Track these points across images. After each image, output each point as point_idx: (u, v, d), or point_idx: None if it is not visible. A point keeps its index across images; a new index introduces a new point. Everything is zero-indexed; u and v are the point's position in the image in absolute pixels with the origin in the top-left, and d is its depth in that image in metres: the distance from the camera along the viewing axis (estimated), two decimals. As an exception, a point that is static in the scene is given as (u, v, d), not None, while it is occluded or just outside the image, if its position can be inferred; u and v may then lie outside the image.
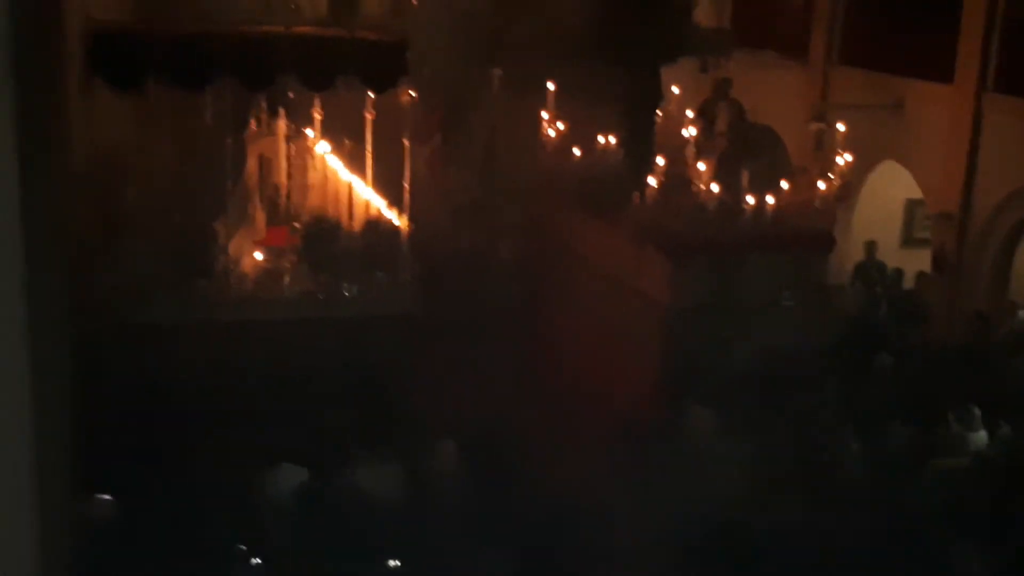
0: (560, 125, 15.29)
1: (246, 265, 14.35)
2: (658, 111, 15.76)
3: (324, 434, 11.27)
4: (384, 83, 13.90)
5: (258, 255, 14.43)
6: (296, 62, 13.53)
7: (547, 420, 12.69)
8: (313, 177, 15.49)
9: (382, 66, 13.79)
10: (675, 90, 16.25)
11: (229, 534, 9.63)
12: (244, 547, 9.47)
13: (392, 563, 9.48)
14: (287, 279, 14.18)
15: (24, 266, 3.80)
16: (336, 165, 15.38)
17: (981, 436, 12.15)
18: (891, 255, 17.15)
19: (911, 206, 18.58)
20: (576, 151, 15.22)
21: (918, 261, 17.15)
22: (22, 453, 3.91)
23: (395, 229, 14.61)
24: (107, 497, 9.81)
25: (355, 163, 14.64)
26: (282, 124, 15.17)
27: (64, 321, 4.47)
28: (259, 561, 9.45)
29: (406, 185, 14.33)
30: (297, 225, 14.85)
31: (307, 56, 13.59)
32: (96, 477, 9.56)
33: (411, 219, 14.52)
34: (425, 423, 11.64)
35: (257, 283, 14.15)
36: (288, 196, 15.12)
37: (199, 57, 13.37)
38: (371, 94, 13.96)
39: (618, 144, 15.50)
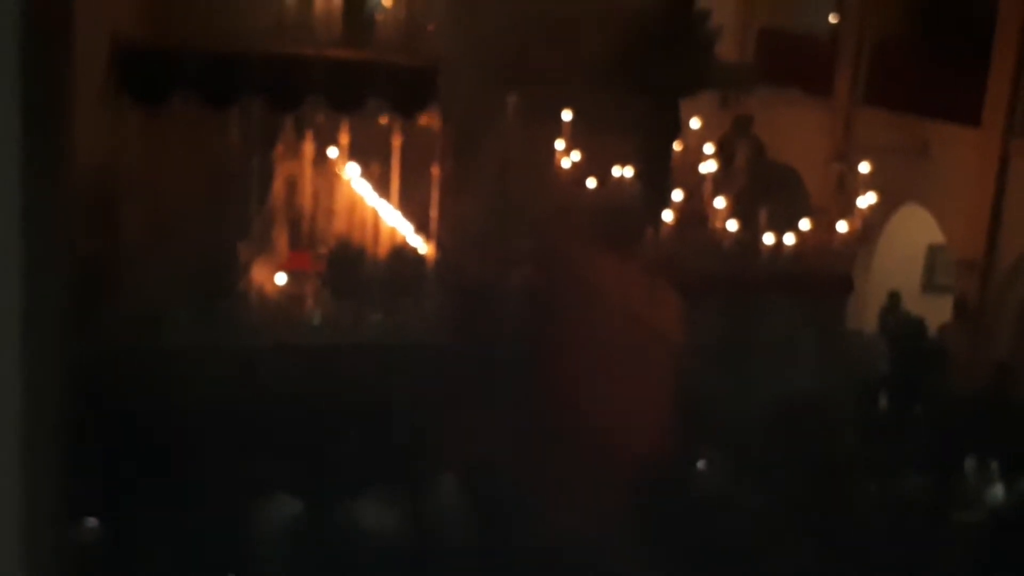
0: (576, 155, 15.06)
1: (267, 289, 14.25)
2: (676, 144, 15.50)
3: (335, 464, 11.17)
4: (413, 107, 14.00)
5: (280, 279, 14.30)
6: (325, 84, 13.60)
7: (556, 455, 12.60)
8: (338, 201, 15.41)
9: (412, 90, 13.92)
10: (694, 124, 15.98)
11: (232, 561, 9.63)
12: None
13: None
14: (309, 304, 14.07)
15: (21, 286, 3.73)
16: (361, 190, 15.26)
17: (997, 490, 11.87)
18: (912, 301, 16.81)
19: (933, 251, 18.25)
20: (591, 182, 14.98)
21: (939, 308, 16.80)
22: (11, 475, 3.86)
23: (418, 256, 14.52)
24: (95, 522, 9.68)
25: (381, 188, 14.56)
26: (308, 147, 15.08)
27: (60, 342, 4.39)
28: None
29: (431, 213, 14.26)
30: (322, 251, 14.75)
31: (337, 79, 13.70)
32: (104, 500, 9.49)
33: (433, 247, 14.51)
34: (432, 454, 11.60)
35: (278, 307, 14.04)
36: (312, 220, 14.95)
37: (227, 76, 13.46)
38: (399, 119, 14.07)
39: (634, 176, 15.25)
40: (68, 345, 4.96)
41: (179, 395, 11.96)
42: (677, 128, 15.43)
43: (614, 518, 11.59)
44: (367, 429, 11.98)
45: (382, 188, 14.60)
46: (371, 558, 9.97)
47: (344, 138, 14.42)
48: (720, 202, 14.35)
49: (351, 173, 15.21)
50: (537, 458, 12.15)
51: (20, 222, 3.69)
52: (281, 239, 14.97)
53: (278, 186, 15.21)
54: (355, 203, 15.45)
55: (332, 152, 15.01)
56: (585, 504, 11.64)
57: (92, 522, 9.72)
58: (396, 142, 14.20)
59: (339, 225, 15.39)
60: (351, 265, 14.44)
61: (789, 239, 13.90)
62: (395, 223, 15.00)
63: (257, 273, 14.26)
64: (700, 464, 12.10)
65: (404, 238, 15.04)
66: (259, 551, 10.06)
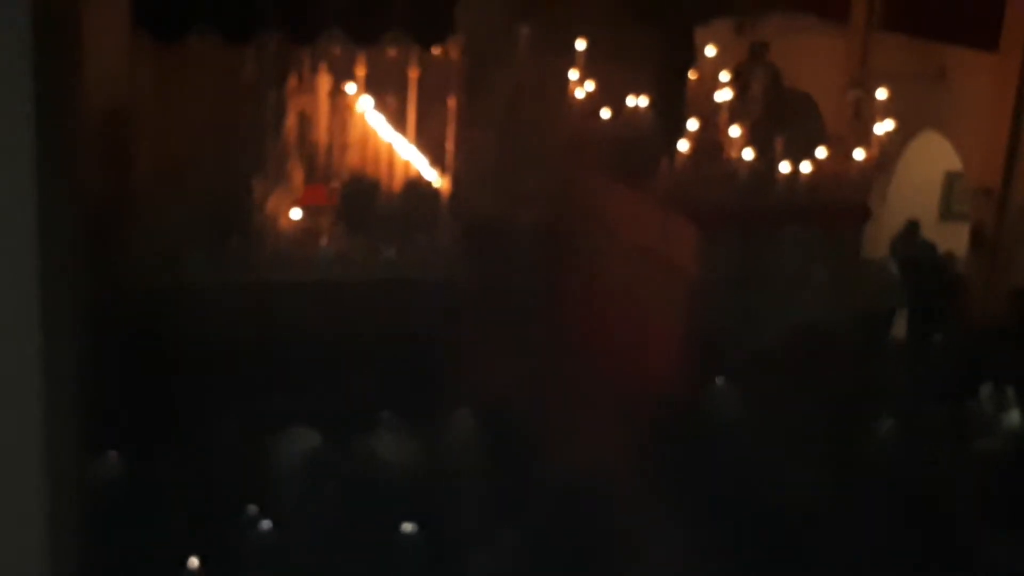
0: (589, 85, 14.93)
1: (283, 224, 14.23)
2: (691, 73, 15.35)
3: (351, 397, 11.33)
4: (432, 38, 13.94)
5: (296, 214, 14.26)
6: (342, 14, 13.48)
7: (571, 392, 12.66)
8: (353, 135, 15.32)
9: (431, 20, 13.82)
10: (709, 52, 15.79)
11: (252, 494, 9.69)
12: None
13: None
14: (324, 239, 14.08)
15: (37, 225, 3.78)
16: (376, 123, 15.20)
17: (1014, 416, 11.88)
18: (929, 229, 16.70)
19: (951, 179, 18.10)
20: (605, 113, 14.86)
21: (956, 236, 16.72)
22: (34, 412, 3.97)
23: (432, 190, 14.48)
24: (115, 456, 9.81)
25: (397, 121, 14.50)
26: (324, 80, 14.97)
27: (78, 280, 4.50)
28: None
29: (448, 146, 14.27)
30: (335, 184, 14.72)
31: (354, 9, 13.57)
32: (117, 435, 9.61)
33: (447, 180, 14.50)
34: (452, 389, 11.70)
35: (294, 242, 14.03)
36: (328, 154, 14.92)
37: (244, 8, 13.31)
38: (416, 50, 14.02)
39: (648, 106, 15.13)
40: (86, 283, 5.01)
41: (196, 331, 12.04)
42: (692, 56, 15.28)
43: (630, 452, 11.63)
44: (381, 363, 12.09)
45: (397, 121, 14.52)
46: (386, 492, 10.04)
47: (360, 71, 14.32)
48: (736, 131, 14.26)
49: (366, 106, 15.12)
50: (552, 393, 12.23)
51: (34, 161, 3.70)
52: (297, 173, 14.94)
53: (292, 120, 15.15)
54: (369, 136, 15.38)
55: (348, 86, 14.91)
56: (602, 438, 11.68)
57: (113, 456, 9.82)
58: (412, 74, 14.08)
59: (353, 159, 15.31)
60: (365, 199, 14.38)
61: (805, 168, 13.82)
62: (410, 156, 14.94)
63: (272, 207, 14.22)
64: (716, 395, 12.15)
65: (419, 172, 14.98)
66: (279, 484, 10.14)
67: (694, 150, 14.28)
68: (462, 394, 11.48)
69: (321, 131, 15.16)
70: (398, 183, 14.60)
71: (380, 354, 12.31)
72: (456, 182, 14.58)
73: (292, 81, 15.15)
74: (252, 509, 9.54)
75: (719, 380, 12.25)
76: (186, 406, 10.89)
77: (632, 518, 10.40)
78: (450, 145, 14.46)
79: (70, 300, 4.36)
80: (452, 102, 14.38)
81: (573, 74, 14.95)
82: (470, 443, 10.91)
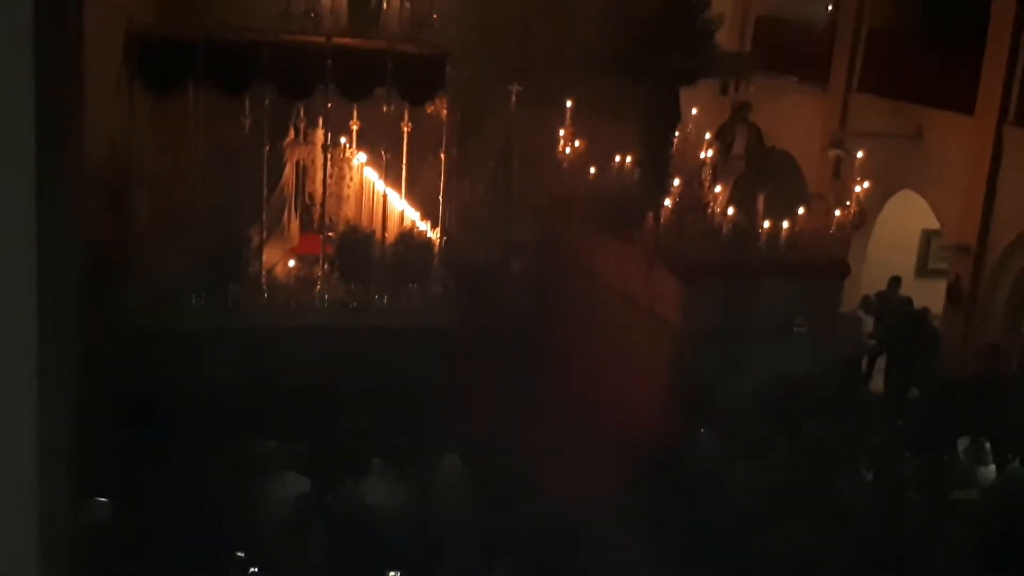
0: (577, 142, 15.22)
1: (279, 272, 14.46)
2: (676, 131, 15.66)
3: (343, 444, 11.39)
4: (422, 95, 14.14)
5: (291, 263, 14.47)
6: (336, 72, 13.71)
7: (556, 438, 12.70)
8: (348, 187, 15.61)
9: (421, 79, 14.08)
10: (694, 111, 16.15)
11: (241, 539, 9.66)
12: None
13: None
14: (319, 287, 14.28)
15: (36, 272, 3.81)
16: (371, 176, 15.48)
17: (991, 470, 12.02)
18: (906, 286, 16.99)
19: (927, 236, 18.44)
20: (592, 169, 15.14)
21: (933, 292, 17.01)
22: (24, 457, 3.96)
23: (427, 241, 14.70)
24: (105, 500, 9.80)
25: (391, 174, 14.75)
26: (319, 133, 15.25)
27: (75, 326, 4.55)
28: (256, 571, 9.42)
29: (440, 199, 14.48)
30: (331, 234, 14.95)
31: (347, 67, 13.81)
32: (108, 478, 9.59)
33: (441, 232, 14.69)
34: (437, 435, 11.74)
35: (289, 290, 14.24)
36: (323, 205, 15.12)
37: (239, 64, 13.60)
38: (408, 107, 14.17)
39: (634, 163, 15.41)
40: (83, 330, 4.96)
41: (192, 377, 12.11)
42: (677, 115, 15.57)
43: (612, 499, 11.70)
44: (373, 410, 12.15)
45: (391, 174, 14.75)
46: (377, 537, 10.06)
47: (354, 125, 14.59)
48: (718, 188, 14.53)
49: (360, 159, 15.37)
50: (538, 440, 12.24)
51: (34, 210, 3.74)
52: (293, 223, 15.12)
53: (289, 172, 15.35)
54: (364, 188, 15.60)
55: (342, 139, 15.15)
56: (585, 485, 11.71)
57: (103, 499, 9.83)
58: (405, 129, 14.33)
59: (349, 210, 15.53)
60: (360, 248, 14.59)
61: (786, 224, 14.06)
62: (403, 208, 15.17)
63: (269, 256, 14.43)
64: (697, 446, 12.24)
65: (412, 223, 15.19)
66: (268, 530, 10.18)
67: (678, 206, 14.52)
68: (449, 440, 11.52)
69: (317, 182, 15.40)
70: (391, 233, 14.83)
71: (372, 400, 12.36)
72: (447, 233, 14.80)
73: (288, 134, 15.44)
74: (240, 556, 9.55)
75: (701, 429, 12.40)
76: (177, 450, 10.86)
77: (614, 563, 10.48)
78: (442, 198, 14.68)
79: (66, 347, 4.43)
80: (443, 156, 14.62)
81: (561, 131, 15.24)
82: (457, 489, 10.98)
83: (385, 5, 15.39)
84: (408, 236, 14.88)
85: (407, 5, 15.16)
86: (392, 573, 9.46)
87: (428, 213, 14.98)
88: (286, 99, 14.42)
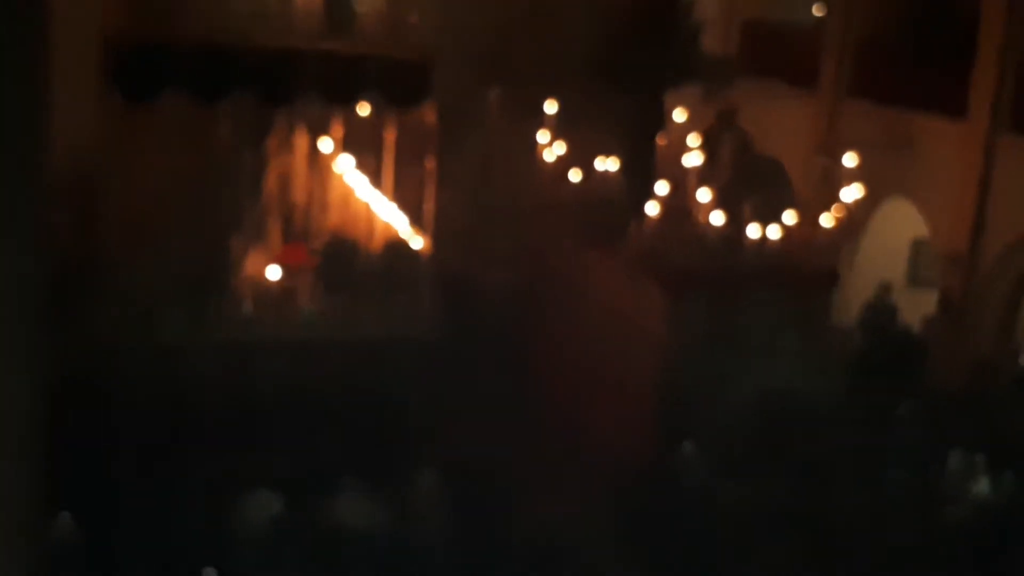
0: (559, 148, 15.01)
1: (261, 283, 14.11)
2: (660, 138, 15.44)
3: (323, 458, 11.27)
4: (408, 101, 14.02)
5: (274, 273, 14.18)
6: (319, 78, 13.55)
7: (542, 450, 12.65)
8: (332, 195, 15.34)
9: (406, 84, 13.91)
10: (679, 117, 15.92)
11: (211, 556, 9.50)
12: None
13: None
14: (302, 298, 14.03)
15: (6, 286, 3.85)
16: (355, 183, 15.26)
17: (983, 484, 11.86)
18: (897, 295, 16.79)
19: (918, 245, 18.24)
20: (575, 176, 14.93)
21: (924, 301, 16.80)
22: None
23: (408, 251, 14.55)
24: (72, 516, 9.65)
25: (375, 182, 14.57)
26: (301, 140, 15.01)
27: (49, 341, 4.43)
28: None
29: (425, 207, 14.36)
30: (314, 245, 14.74)
31: (330, 73, 13.63)
32: (75, 494, 9.45)
33: (421, 241, 14.56)
34: (420, 449, 11.75)
35: (271, 301, 13.94)
36: (306, 214, 14.92)
37: (218, 70, 13.35)
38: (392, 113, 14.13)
39: (618, 170, 15.19)
40: (58, 343, 5.00)
41: (171, 391, 12.05)
42: (661, 121, 15.38)
43: (598, 512, 11.55)
44: (354, 423, 12.02)
45: (375, 181, 14.58)
46: (356, 554, 9.97)
47: (337, 132, 14.38)
48: (704, 195, 14.31)
49: (344, 167, 15.16)
50: (523, 453, 12.18)
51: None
52: (275, 233, 14.89)
53: (271, 180, 15.12)
54: (348, 196, 15.40)
55: (325, 146, 14.94)
56: (570, 498, 11.64)
57: (70, 516, 9.65)
58: (388, 136, 14.13)
59: (332, 219, 15.32)
60: (344, 258, 14.38)
61: (774, 232, 13.87)
62: (388, 217, 14.99)
63: (251, 267, 14.17)
64: (683, 459, 12.10)
65: (396, 232, 15.01)
66: (240, 547, 10.02)
67: (663, 213, 14.32)
68: (432, 453, 11.46)
69: (300, 191, 15.17)
70: (376, 243, 14.59)
71: (355, 412, 12.23)
72: (433, 243, 14.62)
73: (271, 141, 15.18)
74: (210, 572, 9.39)
75: (686, 443, 12.21)
76: (150, 465, 10.81)
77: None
78: (427, 206, 14.46)
79: (32, 362, 4.33)
80: (429, 163, 14.42)
81: (545, 137, 15.04)
82: (440, 503, 10.81)
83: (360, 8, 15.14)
84: (393, 245, 14.65)
85: (383, 7, 14.93)
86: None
87: (413, 221, 14.72)
88: (267, 107, 14.16)
